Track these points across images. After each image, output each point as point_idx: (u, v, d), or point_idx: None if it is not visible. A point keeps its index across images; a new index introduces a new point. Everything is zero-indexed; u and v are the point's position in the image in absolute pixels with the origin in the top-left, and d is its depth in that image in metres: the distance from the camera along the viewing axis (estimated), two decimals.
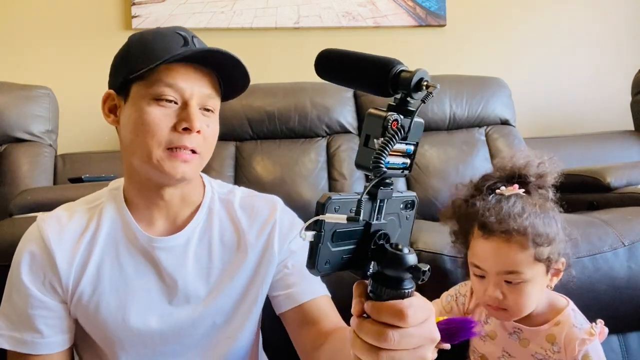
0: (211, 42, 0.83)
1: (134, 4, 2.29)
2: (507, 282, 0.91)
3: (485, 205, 0.94)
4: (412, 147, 0.49)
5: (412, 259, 0.46)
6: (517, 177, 0.98)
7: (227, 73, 0.82)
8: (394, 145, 0.45)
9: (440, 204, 1.86)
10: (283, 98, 2.07)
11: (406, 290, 0.47)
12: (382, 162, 0.44)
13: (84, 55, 2.28)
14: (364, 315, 0.48)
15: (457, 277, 1.12)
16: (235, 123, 2.03)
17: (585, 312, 0.99)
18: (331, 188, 1.97)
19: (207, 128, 0.80)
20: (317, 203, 0.45)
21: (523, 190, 0.97)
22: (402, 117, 0.46)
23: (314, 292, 0.87)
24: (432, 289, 1.16)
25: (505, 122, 2.17)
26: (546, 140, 2.28)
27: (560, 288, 1.03)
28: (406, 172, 0.49)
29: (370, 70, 0.48)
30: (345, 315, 0.68)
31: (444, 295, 1.09)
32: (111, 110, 0.84)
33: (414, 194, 0.52)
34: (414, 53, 2.45)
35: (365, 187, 0.46)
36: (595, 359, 0.92)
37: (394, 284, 0.47)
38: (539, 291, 0.94)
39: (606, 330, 0.96)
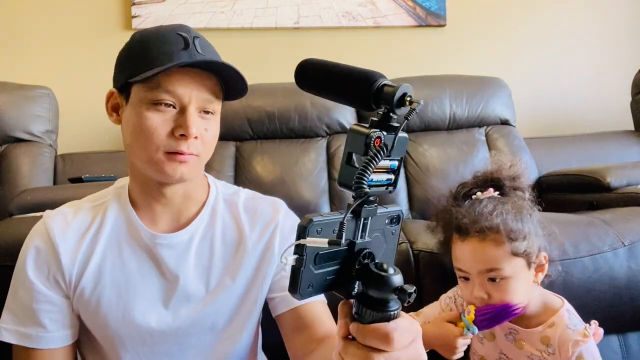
0: (211, 42, 0.83)
1: (134, 4, 2.29)
2: (491, 280, 0.93)
3: (460, 210, 0.98)
4: (396, 163, 0.47)
5: (397, 279, 0.44)
6: (490, 181, 1.01)
7: (227, 77, 0.82)
8: (377, 163, 0.43)
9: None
10: (283, 98, 2.07)
11: (392, 312, 0.45)
12: (364, 182, 0.43)
13: (84, 55, 2.28)
14: (350, 336, 0.46)
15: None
16: (235, 123, 2.03)
17: (585, 312, 0.99)
18: (331, 188, 1.97)
19: (205, 132, 0.80)
20: (298, 226, 0.43)
21: (498, 193, 1.00)
22: (385, 133, 0.44)
23: None
24: (431, 289, 1.16)
25: (505, 122, 2.17)
26: (546, 140, 2.28)
27: (561, 288, 1.03)
28: (391, 188, 0.48)
29: (352, 84, 0.46)
30: None
31: (443, 297, 1.09)
32: (114, 108, 0.85)
33: (400, 208, 0.50)
34: (414, 53, 2.45)
35: (348, 207, 0.44)
36: None
37: (379, 305, 0.45)
38: (525, 287, 0.94)
39: (601, 330, 0.96)
